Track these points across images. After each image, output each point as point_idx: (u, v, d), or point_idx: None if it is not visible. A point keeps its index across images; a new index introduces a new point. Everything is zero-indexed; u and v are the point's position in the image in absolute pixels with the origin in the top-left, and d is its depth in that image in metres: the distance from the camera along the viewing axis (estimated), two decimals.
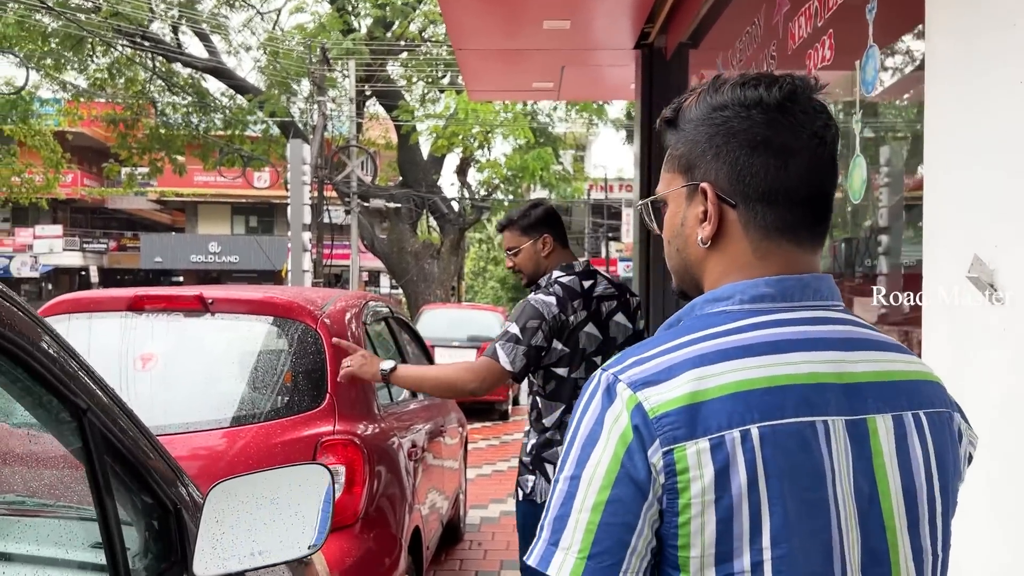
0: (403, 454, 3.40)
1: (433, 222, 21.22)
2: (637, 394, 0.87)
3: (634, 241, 4.80)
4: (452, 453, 4.96)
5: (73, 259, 34.42)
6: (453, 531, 5.42)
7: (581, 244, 34.96)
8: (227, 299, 3.22)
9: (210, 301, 3.18)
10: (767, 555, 0.84)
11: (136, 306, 3.19)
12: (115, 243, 37.55)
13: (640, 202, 1.26)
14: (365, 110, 21.53)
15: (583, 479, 0.87)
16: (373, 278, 36.31)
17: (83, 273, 34.15)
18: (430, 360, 5.11)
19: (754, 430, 0.85)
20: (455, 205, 19.99)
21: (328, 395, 3.07)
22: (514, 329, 2.61)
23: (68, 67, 21.20)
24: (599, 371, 0.93)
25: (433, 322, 11.93)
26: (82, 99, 22.10)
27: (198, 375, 3.08)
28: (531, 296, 2.70)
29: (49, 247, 32.96)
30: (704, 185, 0.95)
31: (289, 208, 12.78)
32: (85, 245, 35.93)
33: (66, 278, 36.63)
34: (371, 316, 3.83)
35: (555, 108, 21.53)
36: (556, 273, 2.77)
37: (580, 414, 0.91)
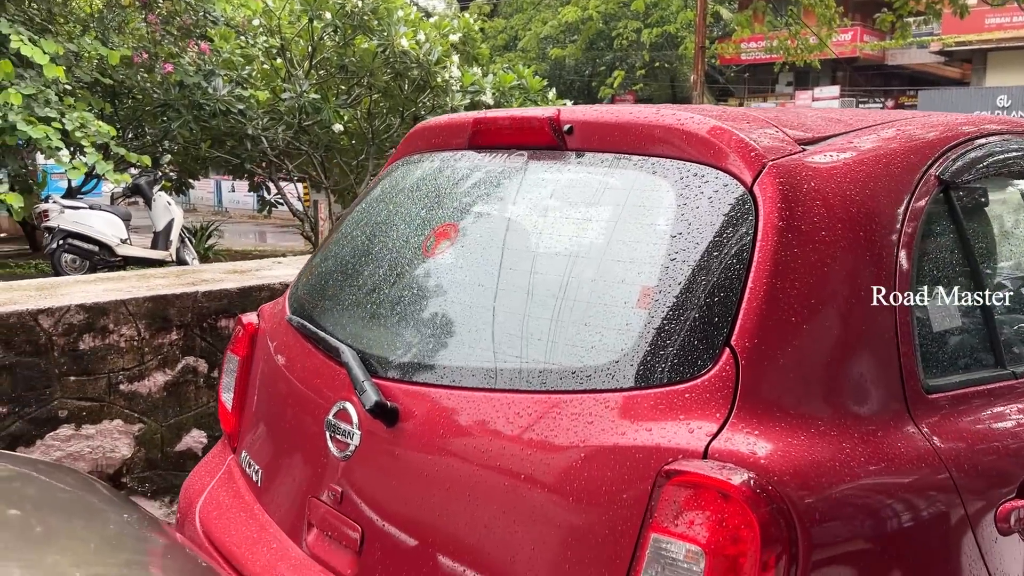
0: (983, 531, 1.32)
1: None
2: None
3: None
4: None
5: None
6: None
7: None
8: (596, 124, 1.59)
9: (567, 129, 1.61)
10: None
11: (475, 141, 1.83)
12: (892, 101, 35.54)
13: None
14: None
15: None
16: None
17: None
18: None
19: None
20: None
21: (725, 350, 1.25)
22: None
23: None
24: None
25: None
26: None
27: (498, 279, 1.57)
28: None
29: None
30: None
31: None
32: (860, 104, 34.92)
33: None
34: (977, 167, 1.66)
35: None
36: None
37: None
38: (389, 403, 1.49)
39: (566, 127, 1.61)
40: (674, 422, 1.23)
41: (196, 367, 3.03)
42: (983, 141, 1.70)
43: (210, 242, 13.02)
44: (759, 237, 1.32)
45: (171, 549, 1.52)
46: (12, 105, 7.19)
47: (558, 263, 1.50)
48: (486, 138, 1.79)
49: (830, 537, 1.17)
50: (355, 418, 1.57)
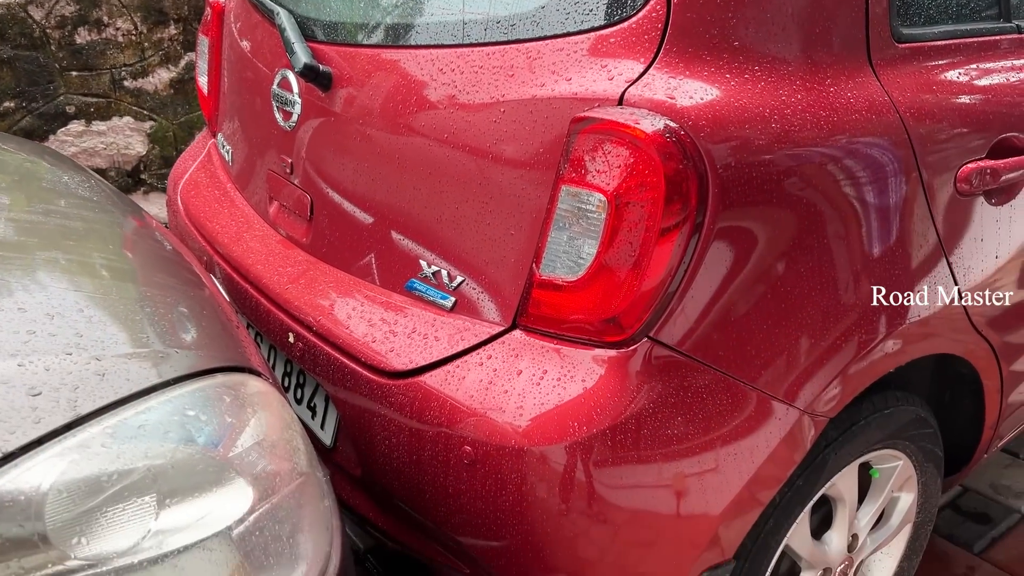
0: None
1: None
2: None
3: None
4: None
5: None
6: None
7: None
8: None
9: None
10: None
11: None
12: None
13: None
14: None
15: None
16: None
17: None
18: None
19: None
20: None
21: None
22: None
23: None
24: None
25: None
26: None
27: None
28: None
29: None
30: None
31: None
32: None
33: None
34: None
35: None
36: None
37: None
38: (320, 65, 1.42)
39: None
40: (595, 70, 1.13)
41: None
42: None
43: None
44: None
45: (139, 232, 1.54)
46: None
47: None
48: None
49: (749, 193, 1.10)
50: (295, 86, 1.51)
